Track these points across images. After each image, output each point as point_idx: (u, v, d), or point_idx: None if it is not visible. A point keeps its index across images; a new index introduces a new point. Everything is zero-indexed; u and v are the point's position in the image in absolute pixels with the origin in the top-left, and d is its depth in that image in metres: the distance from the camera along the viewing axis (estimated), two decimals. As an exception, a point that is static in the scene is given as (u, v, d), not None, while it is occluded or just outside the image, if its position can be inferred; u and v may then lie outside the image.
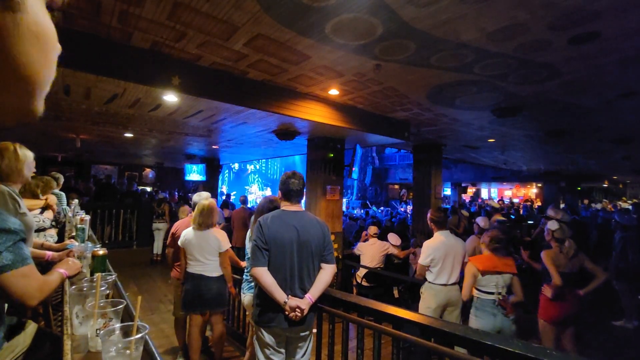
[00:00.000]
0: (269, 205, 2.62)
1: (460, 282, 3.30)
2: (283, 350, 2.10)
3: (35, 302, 1.14)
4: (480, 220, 4.50)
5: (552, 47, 2.82)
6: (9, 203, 1.63)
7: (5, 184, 1.70)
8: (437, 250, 3.32)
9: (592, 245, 7.42)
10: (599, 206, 14.52)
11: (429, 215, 3.53)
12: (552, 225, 3.25)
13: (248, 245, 2.64)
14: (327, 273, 2.13)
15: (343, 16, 2.47)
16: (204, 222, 3.05)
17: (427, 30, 2.63)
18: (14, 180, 1.76)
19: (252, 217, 2.73)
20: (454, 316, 3.28)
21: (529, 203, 16.84)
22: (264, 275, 2.00)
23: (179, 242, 3.07)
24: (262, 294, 2.05)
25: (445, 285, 3.28)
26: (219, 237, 3.09)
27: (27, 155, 1.82)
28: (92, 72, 3.01)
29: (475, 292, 2.89)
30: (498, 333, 2.77)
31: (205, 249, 3.03)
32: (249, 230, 2.69)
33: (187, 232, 3.08)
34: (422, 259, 3.38)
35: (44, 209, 2.72)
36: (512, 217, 9.41)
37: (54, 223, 3.00)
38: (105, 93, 3.82)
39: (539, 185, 19.43)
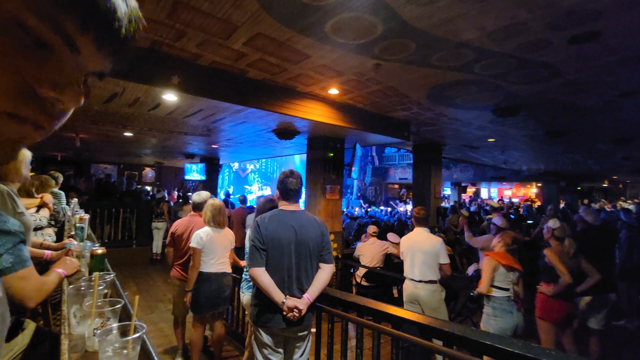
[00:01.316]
0: (269, 205, 2.61)
1: (434, 281, 3.29)
2: (281, 350, 2.09)
3: (33, 304, 1.14)
4: (498, 220, 4.51)
5: (552, 46, 2.81)
6: (8, 202, 1.62)
7: (3, 183, 1.70)
8: (403, 244, 3.53)
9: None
10: (597, 206, 14.52)
11: (413, 211, 3.63)
12: (554, 223, 3.26)
13: (248, 245, 2.63)
14: (325, 273, 2.12)
15: (343, 15, 2.46)
16: (223, 220, 3.10)
17: (428, 30, 2.62)
18: (12, 179, 1.76)
19: (251, 216, 2.73)
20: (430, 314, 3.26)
21: (529, 203, 16.84)
22: (262, 275, 2.00)
23: (196, 244, 2.95)
24: (260, 294, 2.05)
25: (412, 280, 3.34)
26: (233, 234, 3.22)
27: (25, 154, 1.82)
28: (91, 71, 2.99)
29: (492, 291, 2.87)
30: (515, 330, 2.79)
31: (225, 247, 3.10)
32: (249, 229, 2.69)
33: (206, 232, 2.99)
34: (401, 254, 3.60)
35: (40, 207, 2.71)
36: (512, 216, 9.42)
37: (52, 222, 2.98)
38: (105, 92, 3.81)
39: (539, 185, 19.44)
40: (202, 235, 2.99)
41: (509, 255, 2.96)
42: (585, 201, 16.71)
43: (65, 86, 0.32)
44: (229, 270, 3.13)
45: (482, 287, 2.89)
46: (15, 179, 1.78)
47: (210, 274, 3.00)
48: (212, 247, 3.01)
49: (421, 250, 3.31)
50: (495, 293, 2.86)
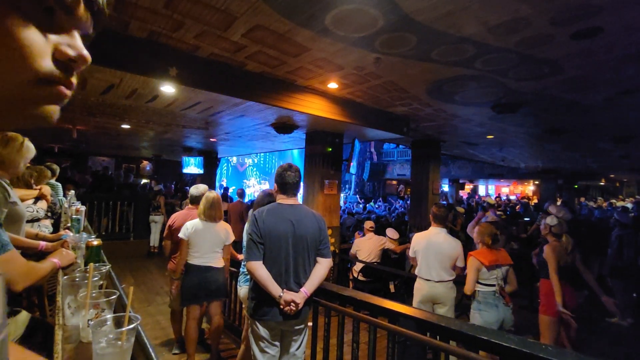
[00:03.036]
0: (268, 199, 2.61)
1: (450, 280, 3.27)
2: (278, 343, 2.10)
3: (20, 288, 1.13)
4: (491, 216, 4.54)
5: (554, 42, 2.79)
6: None
7: None
8: (419, 243, 3.36)
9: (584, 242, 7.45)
10: (594, 204, 14.61)
11: (432, 208, 3.55)
12: (551, 220, 3.29)
13: (245, 239, 2.62)
14: (323, 267, 2.12)
15: (343, 7, 2.43)
16: (216, 214, 3.04)
17: (429, 23, 2.59)
18: (6, 169, 1.74)
19: (251, 211, 2.71)
20: (442, 313, 3.26)
21: (526, 200, 16.91)
22: (259, 269, 1.99)
23: (182, 235, 3.00)
24: (257, 288, 2.04)
25: (428, 280, 3.22)
26: (228, 230, 3.12)
27: (29, 150, 1.81)
28: (88, 61, 2.95)
29: (477, 287, 2.92)
30: (502, 324, 2.81)
31: (215, 241, 3.03)
32: (247, 223, 2.68)
33: (194, 224, 3.01)
34: (409, 251, 3.48)
35: (38, 198, 2.69)
36: (508, 212, 9.47)
37: (49, 214, 2.97)
38: (102, 83, 3.77)
39: (536, 182, 19.50)
40: (188, 226, 3.01)
41: (493, 251, 2.98)
42: (582, 199, 16.80)
43: (73, 46, 0.36)
44: (217, 265, 3.05)
45: (467, 288, 2.93)
46: (10, 171, 1.76)
47: (193, 266, 3.00)
48: (198, 240, 2.99)
49: (439, 252, 3.21)
50: (481, 288, 2.90)
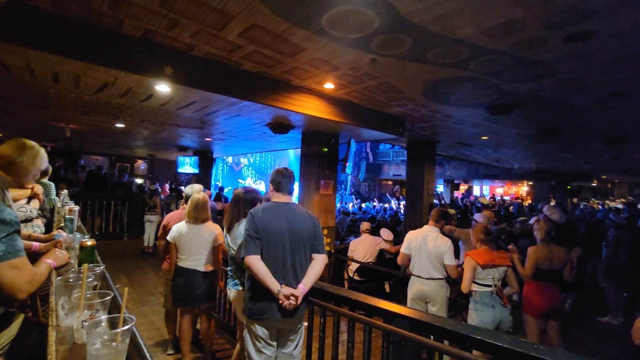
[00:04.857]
0: (245, 196, 2.60)
1: (442, 278, 3.32)
2: (274, 343, 2.10)
3: (24, 295, 1.13)
4: (479, 217, 4.56)
5: (547, 44, 2.83)
6: None
7: (4, 173, 1.65)
8: (412, 240, 3.44)
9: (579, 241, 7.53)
10: (585, 203, 14.82)
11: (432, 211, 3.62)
12: (532, 219, 3.38)
13: (226, 241, 2.61)
14: (318, 263, 2.13)
15: (340, 8, 2.44)
16: (200, 216, 2.98)
17: (424, 25, 2.61)
18: (17, 177, 1.71)
19: (229, 207, 2.68)
20: (433, 311, 3.29)
21: (519, 201, 17.06)
22: (257, 263, 1.99)
23: (169, 237, 2.99)
24: (254, 286, 2.04)
25: (420, 277, 3.30)
26: (215, 231, 3.04)
27: (43, 161, 1.80)
28: (82, 60, 2.93)
29: (473, 287, 2.94)
30: (499, 325, 2.84)
31: (200, 243, 2.98)
32: (225, 222, 2.65)
33: (179, 227, 2.99)
34: (402, 246, 3.54)
35: (30, 198, 2.66)
36: (502, 213, 9.54)
37: (40, 212, 2.94)
38: (96, 81, 3.74)
39: (530, 183, 19.69)
40: (173, 229, 3.00)
41: (490, 251, 3.02)
42: (575, 200, 17.00)
43: None
44: (203, 268, 2.98)
45: (463, 286, 2.97)
46: (17, 178, 1.72)
47: (180, 268, 2.99)
48: (182, 243, 2.96)
49: (429, 250, 3.29)
50: (478, 288, 2.93)
